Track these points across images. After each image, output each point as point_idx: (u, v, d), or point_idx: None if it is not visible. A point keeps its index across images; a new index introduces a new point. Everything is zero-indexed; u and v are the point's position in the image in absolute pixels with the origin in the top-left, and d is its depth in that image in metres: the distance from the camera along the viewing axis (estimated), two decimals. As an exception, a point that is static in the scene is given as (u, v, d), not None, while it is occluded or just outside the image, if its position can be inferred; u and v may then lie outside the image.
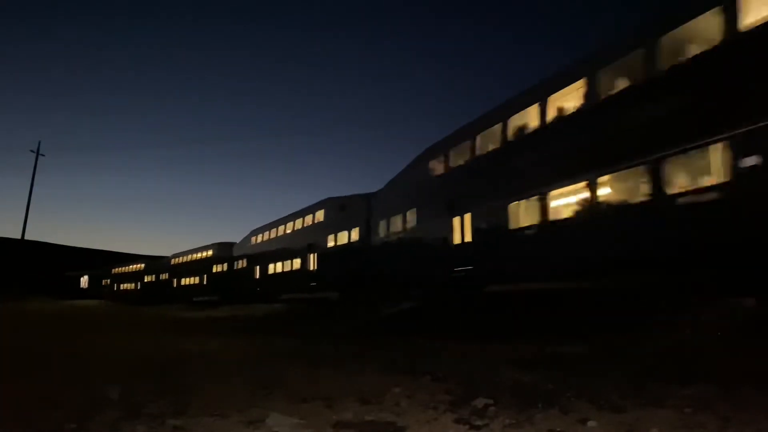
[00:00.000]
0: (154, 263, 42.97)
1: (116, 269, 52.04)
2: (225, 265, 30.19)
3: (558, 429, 2.65)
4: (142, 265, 45.79)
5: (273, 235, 25.37)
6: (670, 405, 2.97)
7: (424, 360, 5.34)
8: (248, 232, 29.73)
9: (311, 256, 21.79)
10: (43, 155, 31.65)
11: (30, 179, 31.62)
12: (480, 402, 3.23)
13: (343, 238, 19.64)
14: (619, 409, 2.94)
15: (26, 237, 32.17)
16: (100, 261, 58.60)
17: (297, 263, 23.00)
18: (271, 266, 24.89)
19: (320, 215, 22.10)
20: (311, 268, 21.79)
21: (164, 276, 40.15)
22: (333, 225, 20.54)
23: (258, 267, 26.06)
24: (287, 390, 3.80)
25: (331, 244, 20.47)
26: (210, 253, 33.24)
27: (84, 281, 57.92)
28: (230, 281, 28.88)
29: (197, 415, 3.09)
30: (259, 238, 27.00)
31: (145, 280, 43.82)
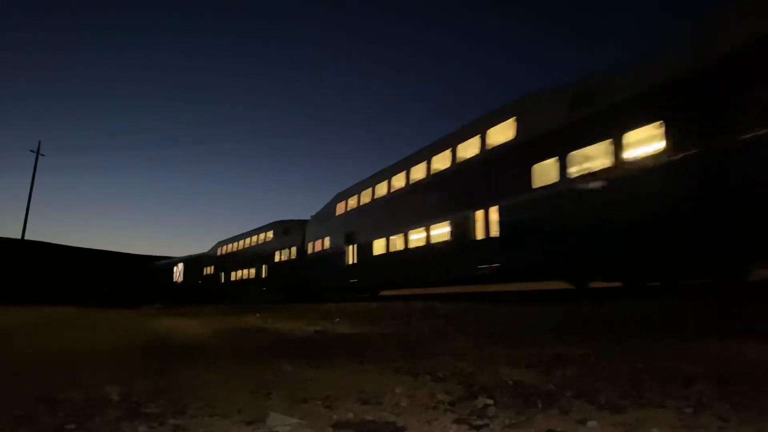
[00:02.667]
0: (291, 226, 26.40)
1: (225, 246, 34.43)
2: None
3: (558, 429, 2.65)
4: (270, 234, 28.51)
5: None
6: (670, 405, 2.97)
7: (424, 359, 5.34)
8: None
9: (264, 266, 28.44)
10: (43, 155, 31.66)
11: (30, 179, 31.60)
12: (480, 402, 3.23)
13: (285, 253, 26.39)
14: (619, 409, 2.93)
15: (26, 237, 32.15)
16: (101, 261, 54.65)
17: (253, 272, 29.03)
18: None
19: (270, 235, 28.67)
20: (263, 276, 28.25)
21: (322, 244, 21.29)
22: (279, 243, 27.00)
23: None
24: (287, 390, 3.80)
25: (277, 258, 27.16)
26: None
27: (178, 272, 40.36)
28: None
29: (197, 414, 3.10)
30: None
31: (276, 260, 26.98)
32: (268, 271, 28.08)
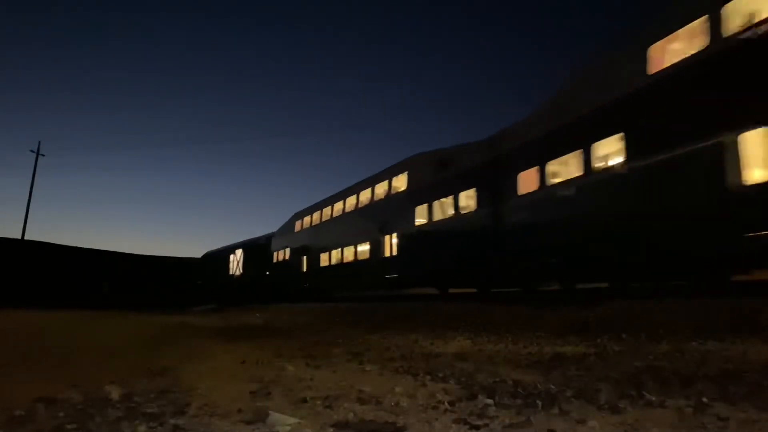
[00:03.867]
0: (454, 154, 13.91)
1: (309, 217, 22.50)
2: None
3: (558, 429, 2.64)
4: (401, 179, 15.79)
5: None
6: (670, 405, 2.97)
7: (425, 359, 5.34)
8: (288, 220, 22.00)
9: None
10: (43, 155, 31.60)
11: (30, 179, 31.57)
12: (480, 402, 3.23)
13: (440, 208, 13.83)
14: (619, 410, 2.93)
15: (26, 237, 32.15)
16: (101, 261, 52.98)
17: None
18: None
19: (400, 181, 15.55)
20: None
21: (579, 167, 8.96)
22: (426, 192, 14.44)
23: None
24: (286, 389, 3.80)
25: (419, 219, 14.43)
26: None
27: (236, 262, 30.51)
28: None
29: (197, 414, 3.09)
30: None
31: (419, 223, 14.46)
32: (400, 246, 15.33)
